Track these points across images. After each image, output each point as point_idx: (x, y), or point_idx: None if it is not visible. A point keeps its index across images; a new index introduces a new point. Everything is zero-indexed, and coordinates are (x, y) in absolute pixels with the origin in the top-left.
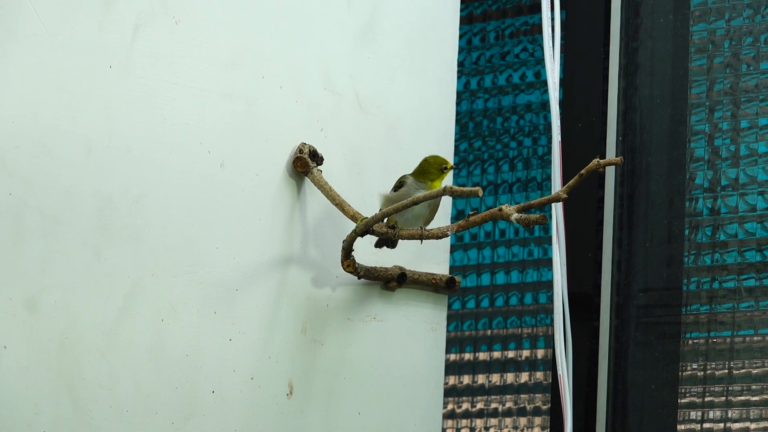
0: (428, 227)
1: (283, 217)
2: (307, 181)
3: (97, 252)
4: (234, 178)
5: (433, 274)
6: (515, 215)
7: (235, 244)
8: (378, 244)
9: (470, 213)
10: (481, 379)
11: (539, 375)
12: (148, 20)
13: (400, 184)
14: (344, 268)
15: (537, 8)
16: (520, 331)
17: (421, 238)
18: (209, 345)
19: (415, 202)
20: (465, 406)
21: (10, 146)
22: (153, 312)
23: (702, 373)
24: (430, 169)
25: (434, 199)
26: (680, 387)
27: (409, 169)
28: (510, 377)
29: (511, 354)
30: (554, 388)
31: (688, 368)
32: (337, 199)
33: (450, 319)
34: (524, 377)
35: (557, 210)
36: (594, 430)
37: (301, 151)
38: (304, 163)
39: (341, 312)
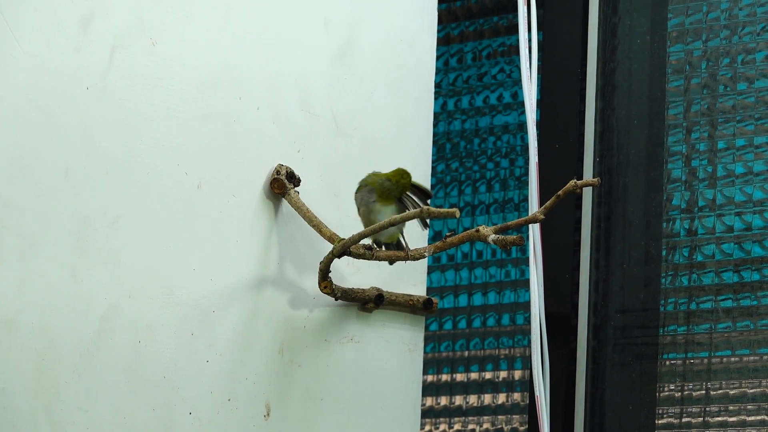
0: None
1: (260, 238)
2: (285, 202)
3: (75, 273)
4: (211, 199)
5: (410, 296)
6: (492, 236)
7: (212, 266)
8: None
9: (447, 234)
10: (458, 400)
11: (516, 396)
12: (126, 42)
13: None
14: (321, 290)
15: (514, 29)
16: (497, 352)
17: (398, 259)
18: (186, 366)
19: (392, 224)
20: (443, 427)
21: None
22: (130, 333)
23: (679, 394)
24: (394, 189)
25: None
26: (658, 408)
27: None
28: (487, 398)
29: (488, 375)
30: (532, 409)
31: (666, 389)
32: (314, 221)
33: (427, 340)
34: (501, 398)
35: (534, 231)
36: None
37: (278, 172)
38: (281, 185)
39: (318, 333)
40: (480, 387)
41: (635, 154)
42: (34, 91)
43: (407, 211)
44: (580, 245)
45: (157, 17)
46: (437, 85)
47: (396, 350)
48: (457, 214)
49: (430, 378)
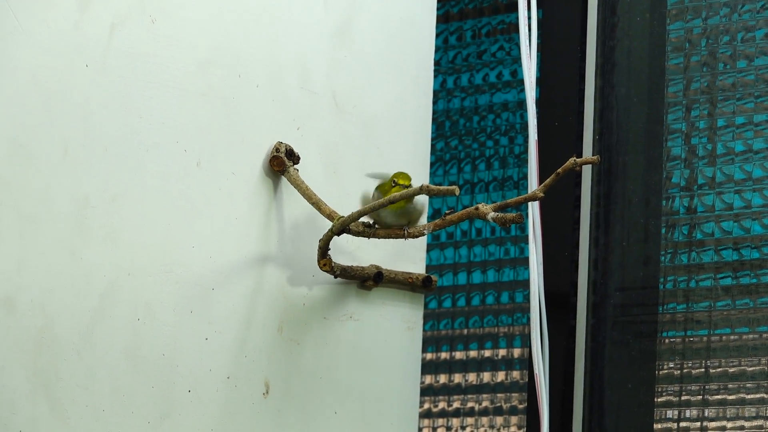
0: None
1: (259, 216)
2: (284, 180)
3: (74, 251)
4: (210, 177)
5: (409, 273)
6: (492, 214)
7: (211, 244)
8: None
9: (447, 212)
10: (457, 378)
11: (516, 374)
12: (125, 19)
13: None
14: (321, 267)
15: (514, 7)
16: (496, 330)
17: (398, 237)
18: (185, 344)
19: (392, 201)
20: (441, 405)
21: None
22: (129, 311)
23: (679, 372)
24: (386, 185)
25: (416, 206)
26: (657, 386)
27: (385, 167)
28: (486, 376)
29: (487, 353)
30: (531, 387)
31: (665, 367)
32: (313, 198)
33: (426, 318)
34: (501, 376)
35: (534, 209)
36: (570, 429)
37: (277, 150)
38: (281, 162)
39: (318, 311)
40: (479, 365)
41: (635, 132)
42: (33, 69)
43: (406, 189)
44: (580, 223)
45: None
46: (436, 63)
47: (395, 328)
48: (457, 192)
49: (429, 356)
